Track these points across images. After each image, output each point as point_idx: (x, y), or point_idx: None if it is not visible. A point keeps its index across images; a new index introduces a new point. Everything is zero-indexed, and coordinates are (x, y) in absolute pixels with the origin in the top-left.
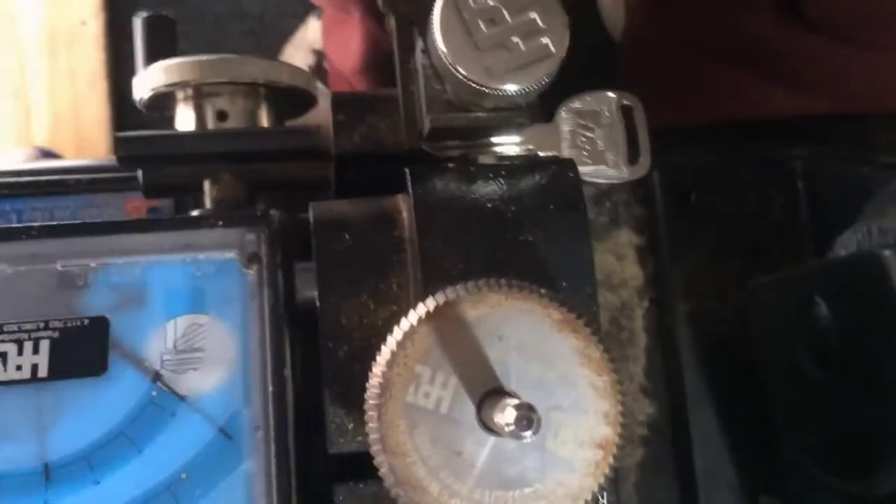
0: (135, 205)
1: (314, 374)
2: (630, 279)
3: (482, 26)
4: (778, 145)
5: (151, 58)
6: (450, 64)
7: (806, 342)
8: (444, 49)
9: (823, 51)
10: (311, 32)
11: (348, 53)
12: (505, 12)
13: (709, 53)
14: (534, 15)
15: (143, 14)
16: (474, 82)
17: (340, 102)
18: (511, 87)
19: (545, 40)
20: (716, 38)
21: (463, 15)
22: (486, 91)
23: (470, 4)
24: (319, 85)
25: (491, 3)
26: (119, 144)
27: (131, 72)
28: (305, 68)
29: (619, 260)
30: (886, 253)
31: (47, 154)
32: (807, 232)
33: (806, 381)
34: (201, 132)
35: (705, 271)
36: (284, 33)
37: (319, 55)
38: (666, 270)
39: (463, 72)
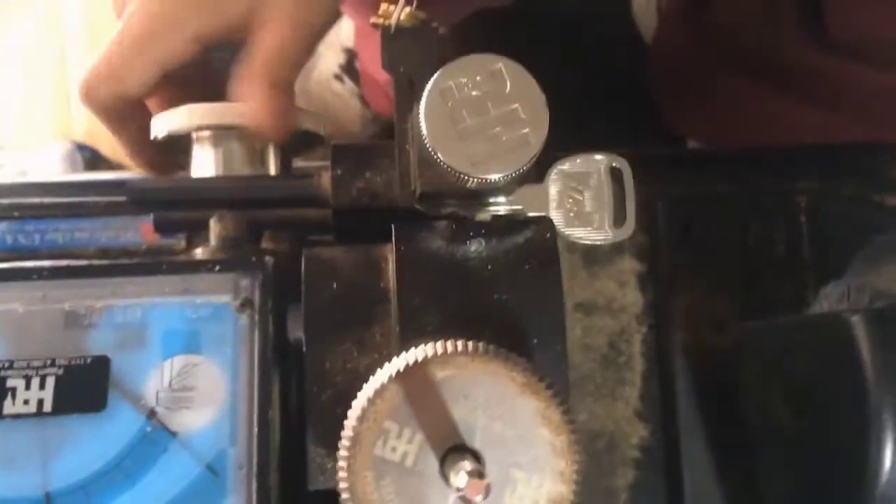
0: (149, 228)
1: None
2: (630, 305)
3: (466, 116)
4: (783, 177)
5: None
6: (432, 151)
7: (784, 391)
8: (428, 136)
9: (847, 72)
10: (343, 31)
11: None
12: (489, 104)
13: (737, 68)
14: (516, 105)
15: None
16: (455, 170)
17: (339, 157)
18: (491, 176)
19: (526, 130)
20: (743, 53)
21: (449, 104)
22: (466, 178)
23: (455, 94)
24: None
25: (476, 93)
26: (128, 192)
27: None
28: (337, 67)
29: (620, 286)
30: (854, 318)
31: (83, 149)
32: (809, 269)
33: (782, 429)
34: (204, 180)
35: (704, 302)
36: None
37: (350, 53)
38: (666, 299)
39: (444, 159)
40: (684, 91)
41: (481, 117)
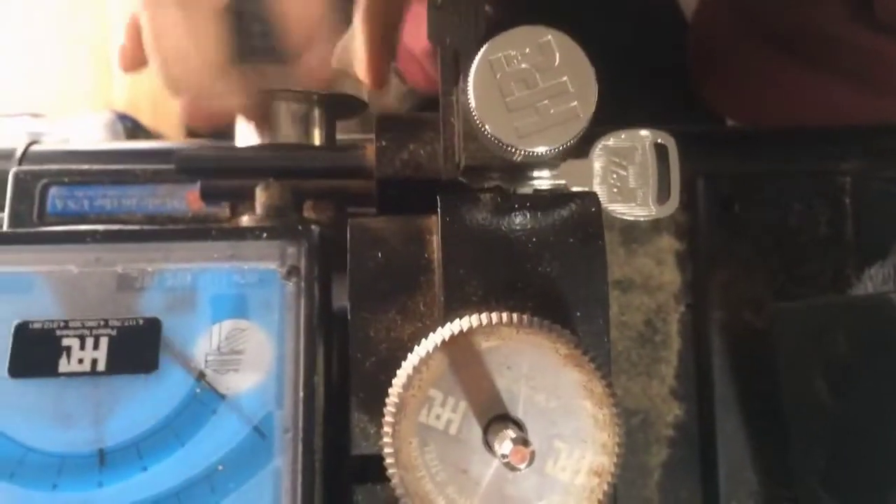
0: (195, 196)
1: (347, 377)
2: (668, 283)
3: (514, 88)
4: (827, 157)
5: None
6: (480, 123)
7: (823, 370)
8: (476, 108)
9: (891, 52)
10: None
11: (419, 36)
12: (538, 76)
13: (778, 46)
14: (565, 78)
15: None
16: (502, 142)
17: (384, 127)
18: (538, 149)
19: (574, 104)
20: (787, 31)
21: (497, 76)
22: (514, 150)
23: (504, 66)
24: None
25: (525, 66)
26: (176, 160)
27: None
28: None
29: (658, 264)
30: None
31: (123, 118)
32: (850, 250)
33: (820, 408)
34: (251, 149)
35: (743, 281)
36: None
37: None
38: (704, 277)
39: (492, 131)
40: (724, 69)
41: (530, 90)
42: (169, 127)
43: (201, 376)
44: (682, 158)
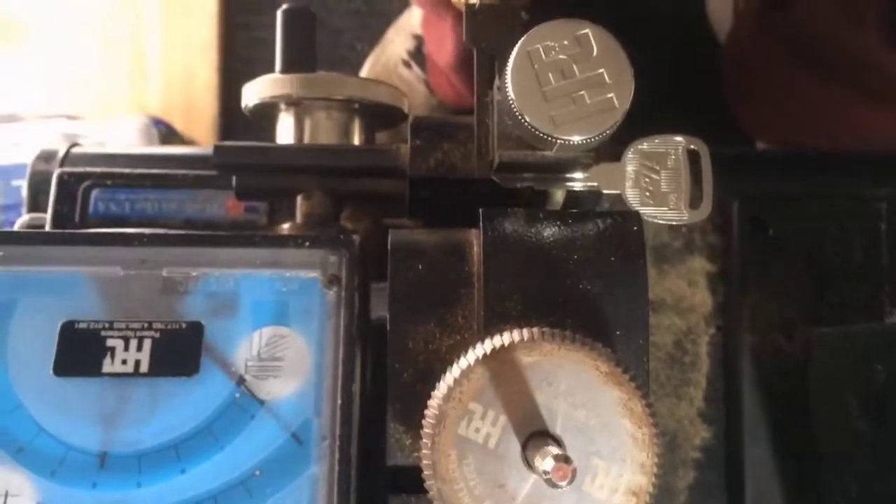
0: (234, 202)
1: (382, 387)
2: (699, 305)
3: (552, 78)
4: (864, 183)
5: (289, 49)
6: (517, 111)
7: (860, 397)
8: (514, 96)
9: None
10: (414, 17)
11: (443, 51)
12: (575, 67)
13: (813, 69)
14: (602, 70)
15: (284, 6)
16: (539, 130)
17: (419, 128)
18: (574, 138)
19: (611, 95)
20: (821, 55)
21: (535, 66)
22: (550, 140)
23: (542, 57)
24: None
25: (562, 57)
26: (215, 152)
27: (242, 43)
28: (405, 53)
29: (689, 285)
30: None
31: (158, 123)
32: (885, 277)
33: (854, 435)
34: (290, 146)
35: (775, 305)
36: (389, 16)
37: (419, 40)
38: (735, 300)
39: (529, 119)
40: (757, 90)
41: (567, 80)
42: (201, 132)
43: (241, 381)
44: (716, 179)
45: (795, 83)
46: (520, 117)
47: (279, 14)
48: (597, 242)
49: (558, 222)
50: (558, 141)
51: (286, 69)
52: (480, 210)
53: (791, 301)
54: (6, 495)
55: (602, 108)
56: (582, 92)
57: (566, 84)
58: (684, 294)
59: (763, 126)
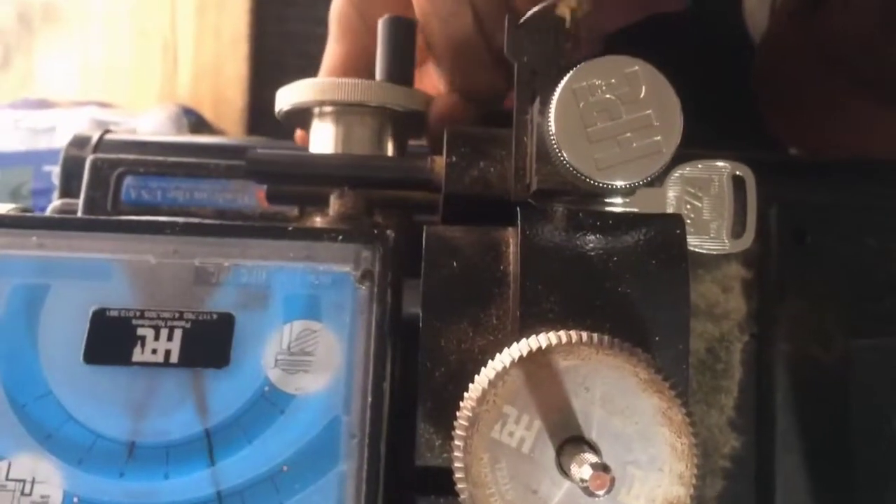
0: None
1: (410, 385)
2: (733, 312)
3: (597, 119)
4: None
5: (390, 56)
6: (558, 149)
7: None
8: (556, 134)
9: None
10: None
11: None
12: (622, 108)
13: (847, 77)
14: (650, 111)
15: (387, 15)
16: (580, 173)
17: (454, 143)
18: (617, 183)
19: (657, 138)
20: (856, 62)
21: (580, 105)
22: (591, 182)
23: (588, 96)
24: None
25: (609, 97)
26: (247, 162)
27: (273, 35)
28: None
29: (724, 291)
30: None
31: (188, 112)
32: None
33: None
34: (321, 156)
35: (812, 315)
36: None
37: None
38: (771, 308)
39: (570, 160)
40: (792, 96)
41: (613, 121)
42: (230, 124)
43: (271, 375)
44: (755, 185)
45: (834, 91)
46: (561, 156)
47: (380, 22)
48: (638, 245)
49: (599, 223)
50: (601, 185)
51: (388, 79)
52: (518, 208)
53: (829, 311)
54: (33, 481)
55: (648, 153)
56: (628, 134)
57: (612, 126)
58: (718, 300)
59: (796, 132)
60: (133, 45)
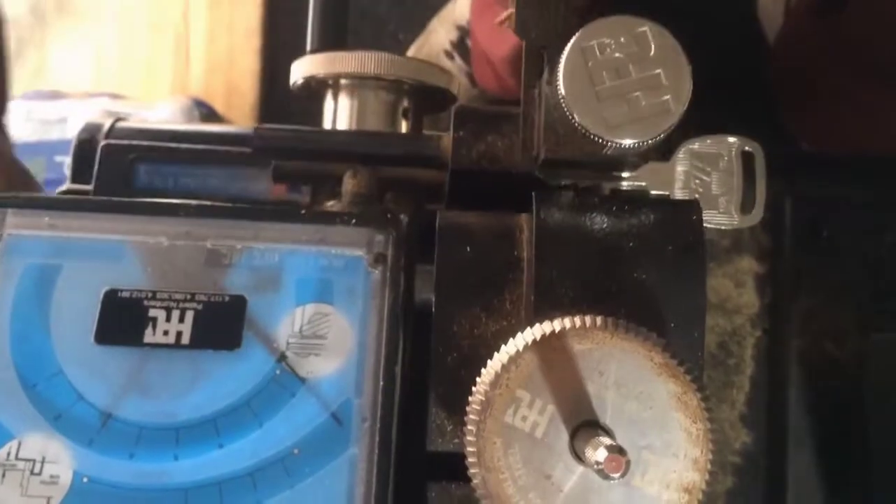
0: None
1: (420, 371)
2: (745, 306)
3: (606, 77)
4: None
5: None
6: (567, 110)
7: None
8: (565, 94)
9: None
10: (458, 9)
11: (500, 40)
12: (631, 67)
13: (864, 74)
14: (659, 70)
15: None
16: (590, 132)
17: (462, 119)
18: (626, 141)
19: (666, 97)
20: (873, 59)
21: (589, 64)
22: (600, 141)
23: (597, 55)
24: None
25: (618, 56)
26: (255, 135)
27: (286, 29)
28: (448, 43)
29: (736, 286)
30: None
31: (200, 105)
32: None
33: None
34: (328, 132)
35: (826, 310)
36: (434, 6)
37: (463, 31)
38: (784, 303)
39: (580, 119)
40: (806, 93)
41: (621, 79)
42: (241, 117)
43: (282, 358)
44: (769, 177)
45: (847, 86)
46: (570, 116)
47: None
48: (653, 230)
49: (614, 208)
50: (609, 143)
51: (319, 48)
52: (533, 193)
53: (843, 307)
54: (43, 461)
55: (657, 111)
56: (637, 93)
57: (621, 84)
58: (730, 294)
59: (811, 128)
60: (146, 38)
